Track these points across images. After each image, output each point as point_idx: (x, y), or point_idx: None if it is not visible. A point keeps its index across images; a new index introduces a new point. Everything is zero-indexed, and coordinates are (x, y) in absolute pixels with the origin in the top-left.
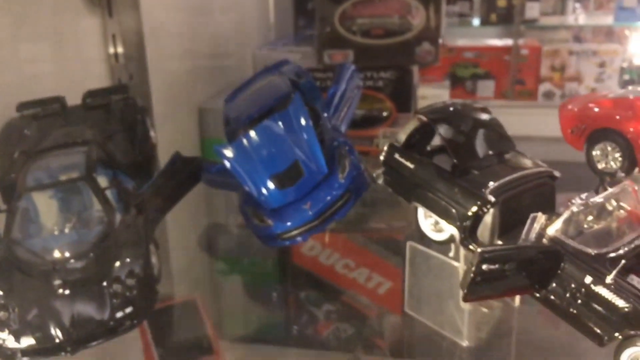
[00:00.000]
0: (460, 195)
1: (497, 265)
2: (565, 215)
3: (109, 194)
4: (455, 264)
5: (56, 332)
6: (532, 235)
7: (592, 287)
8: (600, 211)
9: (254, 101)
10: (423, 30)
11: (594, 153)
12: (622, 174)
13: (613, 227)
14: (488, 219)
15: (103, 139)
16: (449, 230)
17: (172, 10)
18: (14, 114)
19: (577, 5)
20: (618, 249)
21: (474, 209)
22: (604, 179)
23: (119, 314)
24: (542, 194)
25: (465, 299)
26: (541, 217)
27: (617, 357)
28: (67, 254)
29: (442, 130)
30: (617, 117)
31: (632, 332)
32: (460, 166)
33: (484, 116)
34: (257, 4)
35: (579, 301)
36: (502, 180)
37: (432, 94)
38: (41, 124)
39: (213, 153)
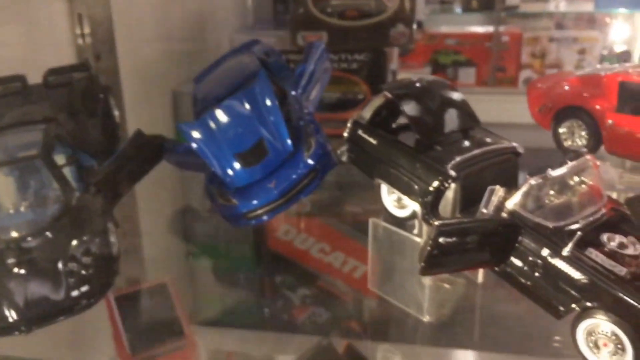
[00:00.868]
0: (422, 170)
1: (454, 239)
2: (524, 188)
3: (67, 172)
4: (418, 240)
5: (10, 312)
6: (490, 209)
7: (549, 260)
8: (561, 185)
9: (222, 81)
10: (397, 11)
11: (560, 131)
12: (585, 150)
13: (573, 201)
14: (450, 194)
15: (64, 118)
16: (411, 206)
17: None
18: None
19: None
20: (576, 222)
21: (435, 184)
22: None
23: (75, 293)
24: (505, 169)
25: (422, 273)
26: (499, 190)
27: (574, 329)
28: (22, 233)
29: (406, 106)
30: (584, 94)
31: (589, 305)
32: (423, 142)
33: (450, 93)
34: None
35: (537, 274)
36: (464, 156)
37: None
38: (1, 103)
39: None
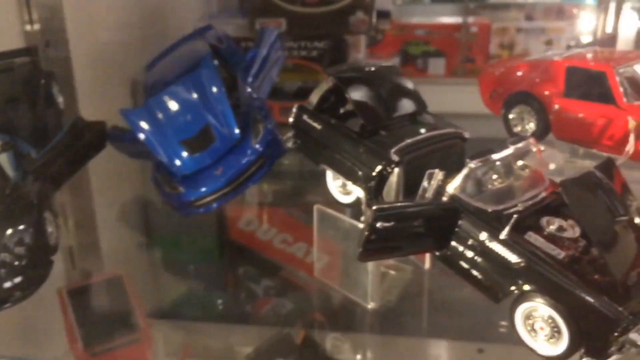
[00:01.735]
0: (365, 155)
1: (391, 223)
2: (463, 172)
3: (2, 159)
4: (362, 226)
5: None
6: (430, 193)
7: (487, 243)
8: (502, 170)
9: (173, 68)
10: None
11: (510, 116)
12: (528, 135)
13: (514, 185)
14: (394, 179)
15: (2, 103)
16: (356, 192)
17: None
18: None
19: None
20: (515, 206)
21: (378, 168)
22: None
23: (7, 284)
24: (450, 154)
25: (361, 259)
26: (438, 174)
27: (512, 312)
28: None
29: (350, 91)
30: (532, 80)
31: (526, 288)
32: (367, 127)
33: (397, 79)
34: None
35: (476, 258)
36: (408, 141)
37: None
38: None
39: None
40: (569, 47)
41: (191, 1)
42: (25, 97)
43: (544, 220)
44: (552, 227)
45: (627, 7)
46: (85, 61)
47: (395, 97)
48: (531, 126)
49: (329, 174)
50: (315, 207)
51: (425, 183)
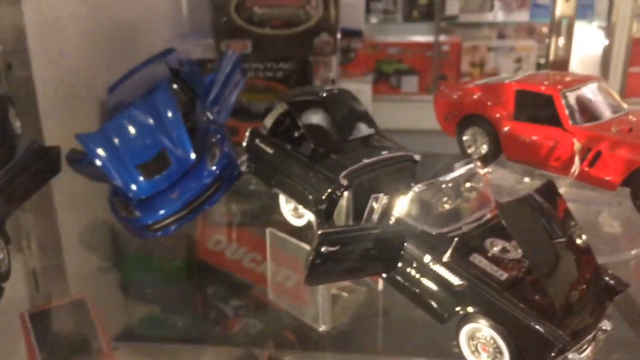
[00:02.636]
0: (314, 179)
1: (337, 247)
2: (409, 196)
3: None
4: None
5: None
6: (375, 216)
7: (431, 266)
8: (448, 192)
9: (133, 90)
10: (321, 21)
11: (464, 138)
12: (475, 157)
13: (460, 207)
14: (344, 203)
15: None
16: (307, 215)
17: (63, 2)
18: None
19: (496, 2)
20: (459, 228)
21: (327, 192)
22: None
23: None
24: (401, 177)
25: (307, 282)
26: (383, 198)
27: (457, 333)
28: None
29: (301, 115)
30: (483, 103)
31: (470, 309)
32: (318, 151)
33: (349, 102)
34: None
35: (421, 280)
36: (358, 164)
37: (353, 88)
38: None
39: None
40: (538, 65)
41: (163, 22)
42: None
43: (488, 242)
44: (496, 249)
45: (594, 26)
46: (50, 83)
47: (347, 120)
48: (484, 148)
49: (282, 198)
50: (268, 230)
51: (370, 207)
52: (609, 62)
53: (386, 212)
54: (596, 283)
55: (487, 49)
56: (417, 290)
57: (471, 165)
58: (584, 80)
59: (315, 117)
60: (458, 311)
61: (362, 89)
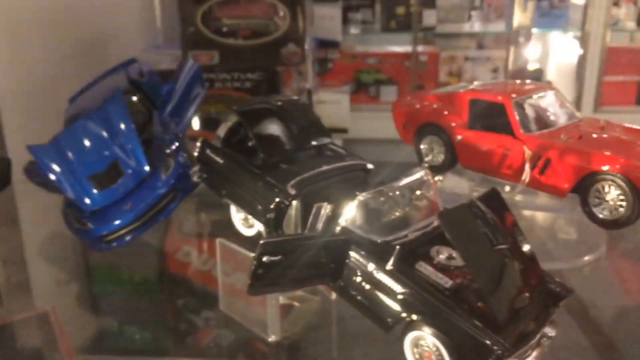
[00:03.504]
0: (263, 189)
1: (279, 257)
2: (353, 204)
3: None
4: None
5: None
6: (319, 225)
7: (375, 274)
8: (395, 200)
9: (90, 101)
10: (288, 31)
11: (422, 147)
12: (426, 165)
13: (407, 215)
14: (293, 212)
15: None
16: (258, 225)
17: (28, 10)
18: None
19: (473, 13)
20: (405, 236)
21: (275, 202)
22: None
23: None
24: (352, 186)
25: (250, 292)
26: (326, 207)
27: (402, 340)
28: None
29: (251, 125)
30: (440, 112)
31: (414, 317)
32: (268, 160)
33: (302, 111)
34: (140, 9)
35: (366, 289)
36: (307, 174)
37: (331, 98)
38: None
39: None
40: (513, 75)
41: (136, 32)
42: None
43: (434, 249)
44: (442, 256)
45: (569, 36)
46: (14, 95)
47: (299, 130)
48: (440, 156)
49: (233, 207)
50: (217, 240)
51: (313, 216)
52: (584, 71)
53: (332, 220)
54: (540, 290)
55: (464, 58)
56: (362, 299)
57: (421, 173)
58: (537, 89)
59: (267, 127)
60: (402, 319)
61: (340, 99)
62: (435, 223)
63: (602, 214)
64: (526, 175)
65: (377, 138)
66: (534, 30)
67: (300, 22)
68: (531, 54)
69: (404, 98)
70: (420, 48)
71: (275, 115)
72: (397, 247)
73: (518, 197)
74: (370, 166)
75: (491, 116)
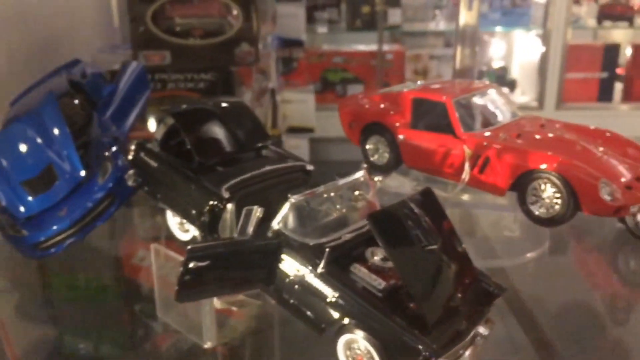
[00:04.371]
0: (197, 193)
1: (207, 263)
2: (285, 207)
3: None
4: None
5: None
6: (250, 229)
7: (307, 277)
8: (329, 202)
9: (29, 104)
10: (241, 31)
11: (367, 147)
12: (365, 165)
13: (342, 217)
14: (228, 216)
15: None
16: (193, 229)
17: None
18: None
19: (437, 12)
20: (338, 238)
21: (208, 205)
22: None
23: None
24: (291, 188)
25: (178, 299)
26: (257, 211)
27: (335, 343)
28: None
29: (186, 127)
30: (384, 111)
31: (346, 321)
32: (204, 163)
33: (240, 113)
34: (97, 9)
35: (298, 292)
36: (242, 177)
37: (296, 98)
38: None
39: None
40: (480, 72)
41: (92, 32)
42: None
43: (369, 251)
44: (377, 258)
45: (532, 34)
46: None
47: (236, 132)
48: (385, 156)
49: (169, 211)
50: (152, 246)
51: (243, 220)
52: (547, 69)
53: (264, 223)
54: (474, 289)
55: (429, 57)
56: (295, 302)
57: (359, 174)
58: (479, 88)
59: (202, 130)
60: (334, 322)
61: (305, 98)
62: None
63: (538, 211)
64: (466, 174)
65: (345, 138)
66: (498, 29)
67: (254, 22)
68: (496, 52)
69: (351, 97)
70: (385, 47)
71: (213, 117)
72: (327, 249)
73: (465, 197)
74: (310, 167)
75: (433, 115)
